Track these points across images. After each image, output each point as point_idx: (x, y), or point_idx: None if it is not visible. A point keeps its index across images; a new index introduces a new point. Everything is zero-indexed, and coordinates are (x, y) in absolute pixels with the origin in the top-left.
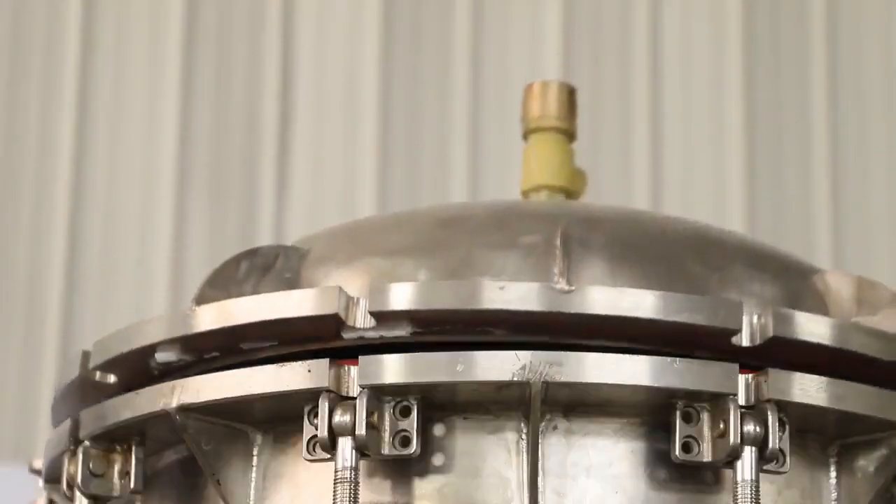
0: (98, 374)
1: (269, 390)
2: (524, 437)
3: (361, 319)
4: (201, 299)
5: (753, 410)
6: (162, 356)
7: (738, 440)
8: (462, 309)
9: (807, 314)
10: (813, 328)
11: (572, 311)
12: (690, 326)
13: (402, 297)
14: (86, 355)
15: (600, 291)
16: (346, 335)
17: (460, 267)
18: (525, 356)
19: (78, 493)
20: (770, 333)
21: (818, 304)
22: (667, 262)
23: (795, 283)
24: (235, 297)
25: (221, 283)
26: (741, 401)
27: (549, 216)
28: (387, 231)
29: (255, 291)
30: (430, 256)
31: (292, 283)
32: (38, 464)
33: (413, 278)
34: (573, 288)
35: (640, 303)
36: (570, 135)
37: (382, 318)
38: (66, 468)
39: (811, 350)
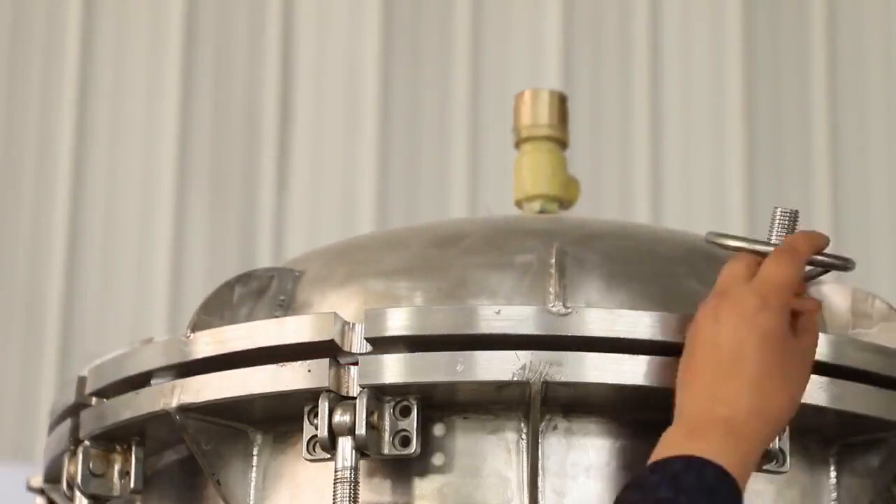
0: (94, 400)
1: (269, 390)
2: (524, 436)
3: (357, 345)
4: (196, 326)
5: None
6: (157, 383)
7: None
8: (458, 334)
9: None
10: None
11: (568, 334)
12: None
13: (397, 322)
14: (81, 381)
15: (596, 314)
16: (343, 360)
17: (455, 288)
18: (525, 356)
19: (78, 493)
20: None
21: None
22: (662, 279)
23: None
24: (230, 323)
25: (216, 309)
26: None
27: (543, 234)
28: (381, 251)
29: (250, 316)
30: (424, 278)
31: (287, 307)
32: (36, 482)
33: (408, 300)
34: (569, 310)
35: (636, 324)
36: (562, 143)
37: (378, 343)
38: (66, 468)
39: None
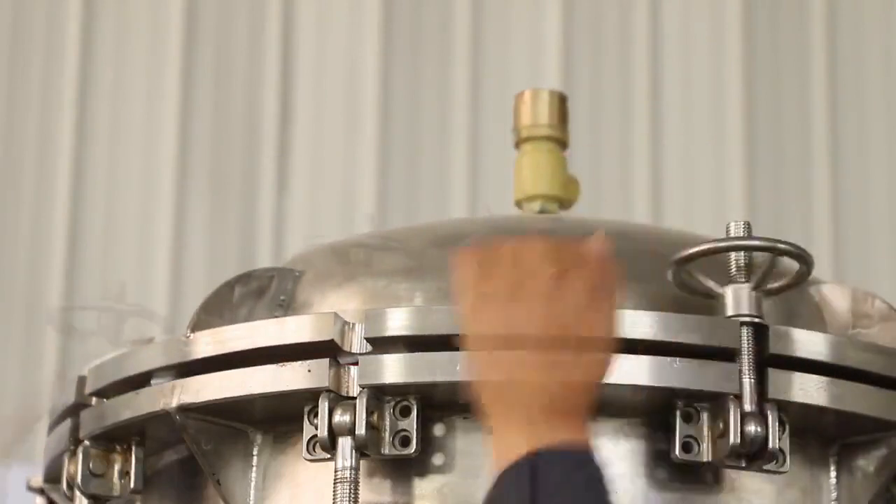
0: (94, 400)
1: (269, 390)
2: None
3: (357, 345)
4: (196, 325)
5: (754, 410)
6: (157, 382)
7: (739, 440)
8: (457, 333)
9: (804, 331)
10: (811, 345)
11: None
12: (687, 346)
13: (397, 322)
14: (81, 381)
15: None
16: (343, 360)
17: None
18: None
19: (78, 493)
20: (768, 351)
21: (815, 318)
22: (662, 279)
23: (792, 296)
24: (230, 323)
25: (216, 309)
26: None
27: (543, 234)
28: (381, 252)
29: (250, 316)
30: (423, 278)
31: (287, 307)
32: (36, 482)
33: (408, 300)
34: None
35: (636, 324)
36: (562, 143)
37: (378, 343)
38: (66, 468)
39: (809, 365)
